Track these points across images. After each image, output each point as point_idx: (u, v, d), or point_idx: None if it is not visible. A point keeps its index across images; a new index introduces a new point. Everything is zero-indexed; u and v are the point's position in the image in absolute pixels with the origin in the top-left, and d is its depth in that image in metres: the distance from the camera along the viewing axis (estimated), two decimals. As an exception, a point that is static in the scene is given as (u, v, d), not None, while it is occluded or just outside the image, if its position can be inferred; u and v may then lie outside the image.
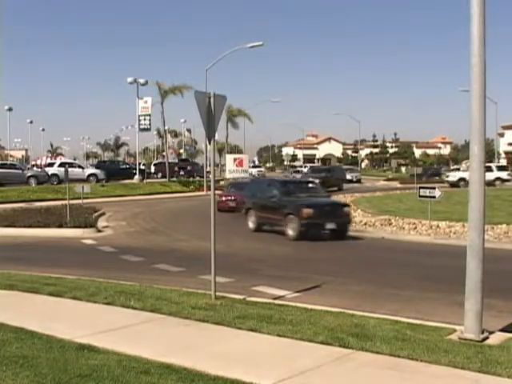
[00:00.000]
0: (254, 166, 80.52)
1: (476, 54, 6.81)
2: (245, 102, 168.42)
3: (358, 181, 59.87)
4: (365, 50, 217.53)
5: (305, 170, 77.33)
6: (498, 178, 45.17)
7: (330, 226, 18.25)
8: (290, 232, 18.24)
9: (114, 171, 48.50)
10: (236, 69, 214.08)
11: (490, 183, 43.52)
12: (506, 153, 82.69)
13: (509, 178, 47.28)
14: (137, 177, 46.91)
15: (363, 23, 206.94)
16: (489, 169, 47.81)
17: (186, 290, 9.69)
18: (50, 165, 46.02)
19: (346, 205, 20.68)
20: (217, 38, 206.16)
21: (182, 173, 54.95)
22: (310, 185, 22.59)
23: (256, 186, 23.14)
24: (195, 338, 6.92)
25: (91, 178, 42.77)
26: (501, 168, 49.20)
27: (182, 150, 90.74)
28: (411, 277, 12.17)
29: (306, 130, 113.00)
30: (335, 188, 42.79)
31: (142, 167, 53.59)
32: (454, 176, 48.60)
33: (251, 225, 20.66)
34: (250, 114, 67.50)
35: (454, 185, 44.60)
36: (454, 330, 7.09)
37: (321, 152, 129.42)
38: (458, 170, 56.39)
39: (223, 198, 27.91)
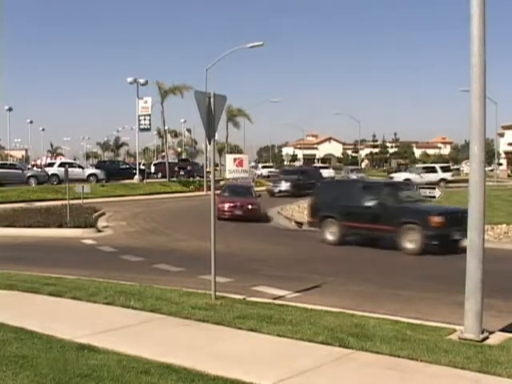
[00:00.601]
0: (265, 166, 76.51)
1: (476, 53, 6.81)
2: (245, 102, 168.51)
3: None
4: (365, 50, 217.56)
5: (262, 170, 70.24)
6: (442, 180, 43.94)
7: (455, 236, 15.14)
8: (409, 245, 15.44)
9: (114, 171, 48.44)
10: (236, 69, 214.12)
11: (434, 184, 42.62)
12: (506, 153, 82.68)
13: (453, 178, 46.01)
14: (137, 177, 46.88)
15: (363, 23, 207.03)
16: (433, 170, 46.56)
17: (186, 290, 9.70)
18: (50, 165, 45.96)
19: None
20: (217, 37, 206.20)
21: (182, 173, 54.94)
22: (410, 187, 20.12)
23: (338, 189, 19.07)
24: (195, 338, 6.92)
25: (91, 178, 42.72)
26: (445, 169, 47.47)
27: (180, 149, 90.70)
28: (411, 277, 12.18)
29: (306, 130, 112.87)
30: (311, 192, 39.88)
31: (142, 167, 53.57)
32: (398, 177, 44.50)
33: (331, 237, 17.43)
34: (250, 114, 67.23)
35: None
36: (454, 330, 7.09)
37: (321, 152, 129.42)
38: (401, 170, 53.58)
39: (226, 206, 23.80)
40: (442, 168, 47.15)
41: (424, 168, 48.06)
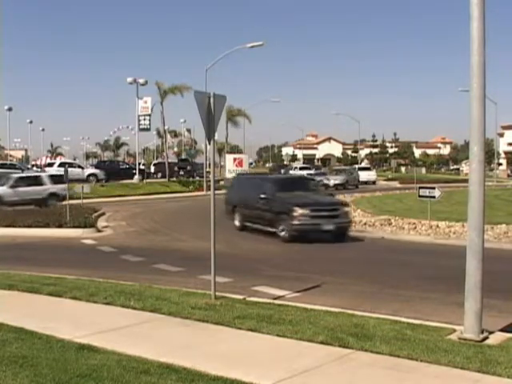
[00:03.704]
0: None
1: (476, 53, 6.81)
2: (245, 102, 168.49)
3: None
4: (365, 50, 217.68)
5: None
6: None
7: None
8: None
9: (114, 171, 48.46)
10: (236, 69, 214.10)
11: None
12: (506, 153, 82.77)
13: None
14: (137, 177, 46.89)
15: (363, 23, 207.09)
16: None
17: (185, 290, 9.69)
18: (50, 165, 46.01)
19: None
20: (217, 37, 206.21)
21: (181, 173, 54.97)
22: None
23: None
24: (195, 338, 6.92)
25: (91, 178, 42.74)
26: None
27: (181, 150, 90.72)
28: (411, 277, 12.16)
29: (306, 130, 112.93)
30: None
31: (142, 167, 53.59)
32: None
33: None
34: (250, 114, 67.33)
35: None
36: (454, 330, 7.09)
37: (321, 152, 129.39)
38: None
39: None
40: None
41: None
